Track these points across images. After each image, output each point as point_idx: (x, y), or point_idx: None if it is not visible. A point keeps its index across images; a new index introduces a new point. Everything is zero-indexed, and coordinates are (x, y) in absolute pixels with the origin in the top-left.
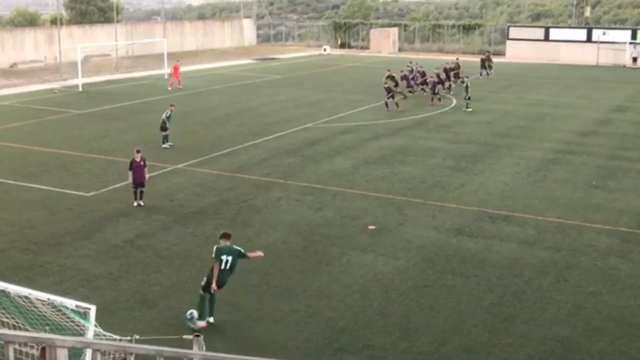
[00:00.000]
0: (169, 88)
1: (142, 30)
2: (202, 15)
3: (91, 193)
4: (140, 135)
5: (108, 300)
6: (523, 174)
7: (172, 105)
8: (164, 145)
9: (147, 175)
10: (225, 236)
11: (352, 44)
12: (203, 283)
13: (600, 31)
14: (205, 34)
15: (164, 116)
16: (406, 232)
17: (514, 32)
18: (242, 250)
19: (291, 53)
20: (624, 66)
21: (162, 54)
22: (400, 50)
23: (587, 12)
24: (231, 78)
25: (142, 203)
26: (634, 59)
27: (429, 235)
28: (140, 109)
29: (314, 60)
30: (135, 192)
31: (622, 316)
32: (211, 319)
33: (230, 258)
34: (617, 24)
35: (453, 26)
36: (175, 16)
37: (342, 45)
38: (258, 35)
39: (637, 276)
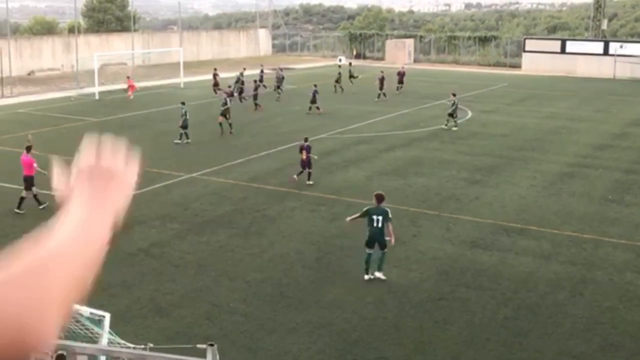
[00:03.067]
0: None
1: (158, 39)
2: (218, 25)
3: None
4: (156, 143)
5: (122, 308)
6: (538, 187)
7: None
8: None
9: None
10: (378, 198)
11: (368, 54)
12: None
13: (617, 44)
14: (221, 44)
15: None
16: (420, 244)
17: (530, 44)
18: (390, 215)
19: (306, 63)
20: None
21: (179, 63)
22: (415, 61)
23: (604, 25)
24: (246, 88)
25: None
26: None
27: (444, 247)
28: (156, 118)
29: (329, 70)
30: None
31: (638, 332)
32: (380, 275)
33: (380, 218)
34: (635, 37)
35: (469, 38)
36: (192, 26)
37: (358, 56)
38: (273, 46)
39: None
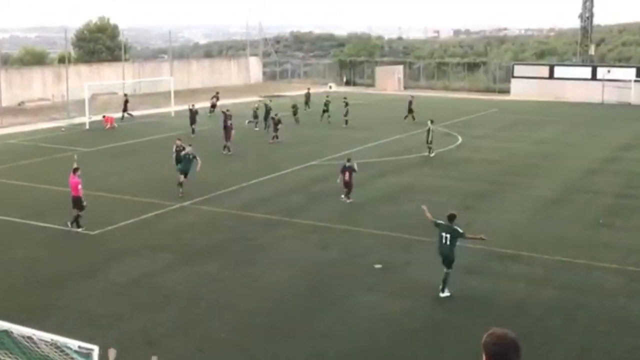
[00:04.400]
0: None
1: (149, 68)
2: (209, 53)
3: (97, 231)
4: (146, 173)
5: (112, 340)
6: (530, 212)
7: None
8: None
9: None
10: (449, 217)
11: (358, 81)
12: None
13: (605, 69)
14: (212, 72)
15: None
16: (413, 271)
17: (518, 70)
18: (461, 231)
19: (297, 90)
20: (629, 104)
21: (169, 92)
22: (405, 87)
23: (592, 50)
24: (238, 116)
25: None
26: None
27: (436, 274)
28: (146, 147)
29: (320, 97)
30: None
31: (632, 357)
32: (443, 294)
33: (448, 236)
34: (622, 61)
35: (458, 64)
36: (182, 54)
37: (348, 83)
38: (264, 73)
39: None
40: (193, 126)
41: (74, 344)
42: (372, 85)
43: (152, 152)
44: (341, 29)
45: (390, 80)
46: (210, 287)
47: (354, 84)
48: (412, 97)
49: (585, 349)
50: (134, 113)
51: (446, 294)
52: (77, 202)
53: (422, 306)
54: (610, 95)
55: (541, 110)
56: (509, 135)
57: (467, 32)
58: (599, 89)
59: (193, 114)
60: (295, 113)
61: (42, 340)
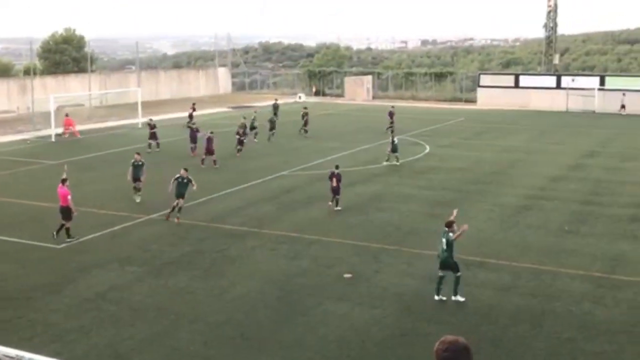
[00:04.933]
0: (65, 135)
1: (116, 79)
2: (177, 64)
3: (63, 245)
4: (113, 185)
5: (79, 355)
6: (496, 220)
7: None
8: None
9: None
10: (446, 224)
11: (327, 91)
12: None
13: (569, 78)
14: (180, 83)
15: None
16: (382, 280)
17: (484, 79)
18: (451, 237)
19: (266, 101)
20: (593, 112)
21: (137, 103)
22: (374, 97)
23: (556, 59)
24: (207, 126)
25: None
26: (623, 106)
27: (405, 282)
28: (113, 159)
29: (289, 108)
30: None
31: None
32: (459, 298)
33: (444, 240)
34: (586, 70)
35: (425, 74)
36: (150, 65)
37: (317, 93)
38: (233, 84)
39: (611, 322)
40: (151, 141)
41: (39, 359)
42: (341, 95)
43: (119, 164)
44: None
45: (359, 90)
46: (179, 300)
47: (323, 94)
48: (393, 107)
49: (551, 355)
50: (101, 125)
51: (459, 298)
52: (66, 213)
53: (391, 315)
54: (574, 103)
55: (507, 119)
56: (475, 144)
57: (435, 42)
58: (564, 97)
59: (152, 128)
60: (272, 128)
61: (7, 356)
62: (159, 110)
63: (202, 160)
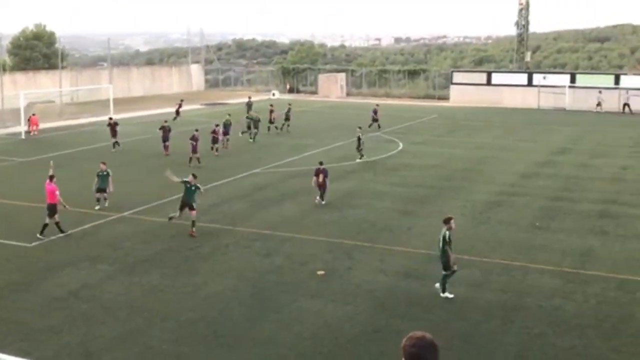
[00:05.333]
0: (31, 134)
1: (87, 76)
2: (149, 61)
3: (34, 244)
4: (83, 183)
5: (49, 355)
6: (468, 216)
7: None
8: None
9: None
10: (444, 221)
11: (301, 88)
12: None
13: (541, 75)
14: (152, 80)
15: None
16: (355, 277)
17: (457, 77)
18: (446, 240)
19: (240, 98)
20: (564, 109)
21: (109, 100)
22: (348, 95)
23: (528, 57)
24: (179, 123)
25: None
26: (599, 104)
27: (378, 279)
28: (84, 157)
29: (263, 105)
30: None
31: (567, 357)
32: (444, 294)
33: (440, 238)
34: (557, 68)
35: (399, 71)
36: (122, 62)
37: (291, 90)
38: (206, 81)
39: (580, 316)
40: (114, 139)
41: (8, 358)
42: (315, 92)
43: (90, 161)
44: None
45: (333, 88)
46: (152, 298)
47: (297, 91)
48: (377, 105)
49: (523, 350)
50: (72, 122)
51: (446, 294)
52: (53, 210)
53: (364, 311)
54: (546, 101)
55: (479, 116)
56: (448, 141)
57: (408, 40)
58: (535, 95)
59: (113, 127)
60: (256, 126)
61: None
62: (131, 108)
63: (190, 159)
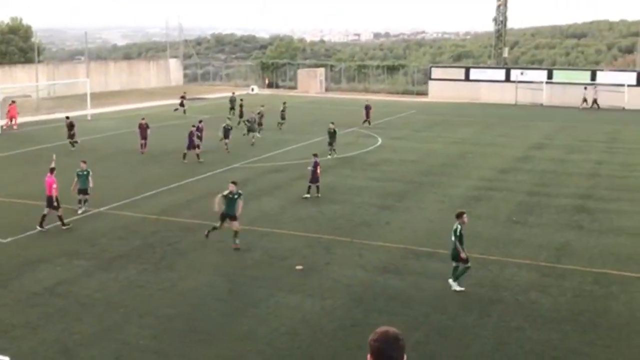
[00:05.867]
0: (4, 127)
1: (64, 70)
2: (127, 55)
3: (9, 239)
4: (60, 178)
5: (26, 351)
6: (447, 211)
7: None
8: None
9: None
10: (456, 215)
11: (280, 83)
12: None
13: (518, 71)
14: (130, 74)
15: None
16: (334, 272)
17: (436, 72)
18: (457, 234)
19: (219, 93)
20: (541, 105)
21: (86, 95)
22: (327, 90)
23: (506, 52)
24: (157, 118)
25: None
26: (585, 100)
27: (356, 274)
28: (61, 151)
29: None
30: None
31: (544, 350)
32: (453, 285)
33: (452, 232)
34: (534, 64)
35: (378, 67)
36: (100, 56)
37: (270, 85)
38: (185, 75)
39: (557, 310)
40: (71, 139)
41: None
42: (294, 87)
43: (67, 156)
44: (263, 31)
45: (312, 83)
46: (129, 294)
47: (277, 87)
48: (367, 101)
49: (499, 344)
50: (48, 117)
51: (457, 287)
52: (50, 201)
53: (342, 306)
54: (523, 96)
55: (458, 112)
56: (427, 136)
57: (387, 35)
58: (513, 90)
59: (69, 126)
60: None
61: None
62: (108, 102)
63: (184, 155)
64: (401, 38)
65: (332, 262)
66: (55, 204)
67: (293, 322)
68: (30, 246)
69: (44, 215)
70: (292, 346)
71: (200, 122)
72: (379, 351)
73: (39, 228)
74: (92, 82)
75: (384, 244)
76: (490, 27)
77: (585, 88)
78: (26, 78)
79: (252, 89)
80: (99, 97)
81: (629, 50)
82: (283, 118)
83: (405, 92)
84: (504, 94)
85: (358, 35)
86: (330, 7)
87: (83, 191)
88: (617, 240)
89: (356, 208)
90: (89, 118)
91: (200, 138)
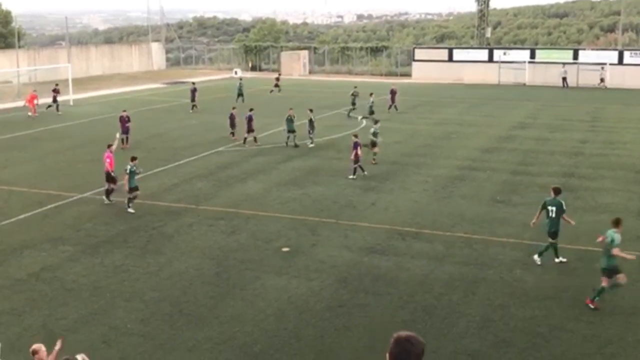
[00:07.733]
0: (30, 114)
1: (45, 55)
2: (109, 39)
3: None
4: (44, 164)
5: (12, 337)
6: (431, 191)
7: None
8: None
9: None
10: (554, 191)
11: (263, 66)
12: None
13: (501, 51)
14: (112, 59)
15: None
16: (319, 253)
17: (419, 53)
18: (563, 204)
19: (202, 77)
20: (524, 84)
21: (67, 80)
22: (310, 72)
23: (488, 33)
24: (140, 103)
25: None
26: (564, 79)
27: (342, 255)
28: (43, 137)
29: (225, 83)
30: None
31: (528, 327)
32: (537, 258)
33: (554, 209)
34: (517, 44)
35: (361, 49)
36: (81, 41)
37: (253, 68)
38: (167, 59)
39: (541, 288)
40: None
41: None
42: (277, 70)
43: (50, 142)
44: (246, 14)
45: (295, 65)
46: (115, 278)
47: (260, 70)
48: (393, 85)
49: (485, 321)
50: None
51: (561, 259)
52: (107, 176)
53: (328, 287)
54: (506, 76)
55: (441, 92)
56: (410, 117)
57: (370, 16)
58: (496, 70)
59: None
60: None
61: None
62: (90, 87)
63: (245, 139)
64: (384, 20)
65: (318, 244)
66: (110, 178)
67: (280, 304)
68: (14, 232)
69: (108, 190)
70: (279, 327)
71: (233, 108)
72: (396, 357)
73: (106, 200)
74: (73, 67)
75: (369, 224)
76: (473, 7)
77: (602, 68)
78: (7, 64)
79: (236, 72)
80: (81, 82)
81: (611, 29)
82: (353, 104)
83: (389, 74)
84: (487, 75)
85: (341, 17)
86: None
87: (133, 188)
88: (600, 218)
89: (341, 189)
90: (71, 103)
91: (233, 124)
